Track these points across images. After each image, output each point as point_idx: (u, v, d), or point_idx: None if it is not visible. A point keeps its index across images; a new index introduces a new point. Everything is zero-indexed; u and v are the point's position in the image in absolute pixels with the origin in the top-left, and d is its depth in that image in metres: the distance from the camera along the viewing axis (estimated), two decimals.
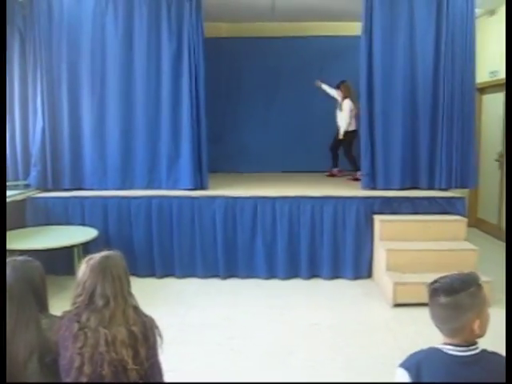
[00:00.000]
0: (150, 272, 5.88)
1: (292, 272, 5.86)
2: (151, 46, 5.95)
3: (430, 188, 5.98)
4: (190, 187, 5.96)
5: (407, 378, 1.85)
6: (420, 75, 5.90)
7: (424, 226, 5.55)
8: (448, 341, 1.88)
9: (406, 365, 1.89)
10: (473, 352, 1.84)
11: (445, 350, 1.87)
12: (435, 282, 1.91)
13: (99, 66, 5.99)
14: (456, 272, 1.95)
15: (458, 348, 1.85)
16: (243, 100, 8.20)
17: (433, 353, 1.89)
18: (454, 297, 1.83)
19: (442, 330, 1.90)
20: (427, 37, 5.82)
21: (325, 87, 7.47)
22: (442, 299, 1.84)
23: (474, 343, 1.86)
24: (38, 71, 5.96)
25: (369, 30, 5.88)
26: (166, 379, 2.27)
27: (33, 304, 2.26)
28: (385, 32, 5.87)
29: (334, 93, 7.37)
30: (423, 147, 5.97)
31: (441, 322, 1.89)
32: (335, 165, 7.69)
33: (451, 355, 1.85)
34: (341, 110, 7.19)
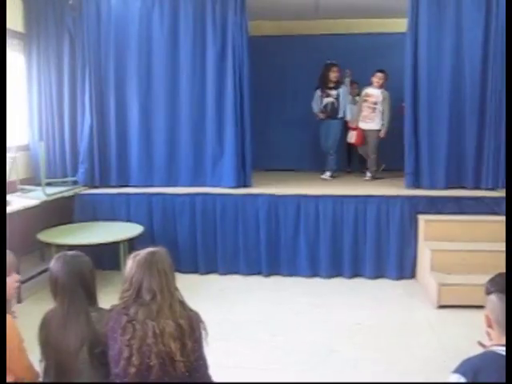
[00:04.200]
0: (194, 268, 5.95)
1: (335, 271, 5.84)
2: (196, 45, 6.02)
3: (477, 187, 5.86)
4: (233, 185, 6.00)
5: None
6: (467, 73, 5.77)
7: (470, 227, 5.45)
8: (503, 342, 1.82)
9: (461, 370, 1.81)
10: None
11: (502, 352, 1.80)
12: (498, 281, 1.89)
13: (145, 65, 6.10)
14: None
15: None
16: (286, 98, 8.20)
17: (489, 356, 1.83)
18: None
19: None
20: (475, 33, 5.68)
21: (347, 81, 7.50)
22: None
23: None
24: (86, 70, 6.11)
25: (414, 26, 5.79)
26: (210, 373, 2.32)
27: (83, 297, 2.33)
28: (431, 29, 5.77)
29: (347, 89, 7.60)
30: (469, 146, 5.84)
31: None
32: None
33: None
34: (355, 104, 7.34)
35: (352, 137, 7.28)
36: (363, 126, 7.06)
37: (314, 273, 5.85)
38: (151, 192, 6.05)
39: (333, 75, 7.00)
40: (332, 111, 7.03)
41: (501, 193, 5.76)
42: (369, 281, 5.76)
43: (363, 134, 7.09)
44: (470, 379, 1.77)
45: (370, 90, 7.00)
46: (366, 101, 7.00)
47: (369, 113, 6.98)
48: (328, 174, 7.13)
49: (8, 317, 2.31)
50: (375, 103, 6.93)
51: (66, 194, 5.92)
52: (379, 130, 6.91)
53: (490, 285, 1.92)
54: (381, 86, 6.95)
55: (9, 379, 2.29)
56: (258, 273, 5.92)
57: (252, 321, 4.68)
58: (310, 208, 5.80)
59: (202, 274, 5.96)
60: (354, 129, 7.21)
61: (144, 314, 2.14)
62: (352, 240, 5.78)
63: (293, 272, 5.88)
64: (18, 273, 2.57)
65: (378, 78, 6.93)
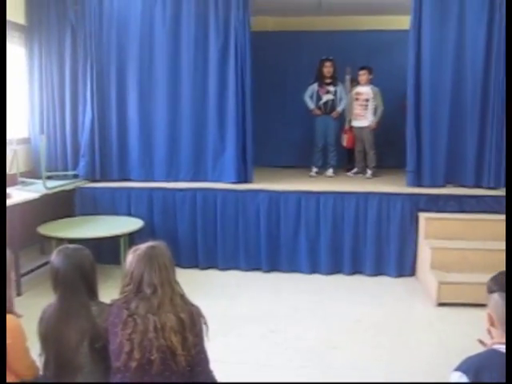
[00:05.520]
0: (193, 263, 5.94)
1: (335, 268, 5.83)
2: (198, 39, 6.00)
3: (478, 186, 5.85)
4: (234, 180, 5.99)
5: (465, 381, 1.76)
6: (470, 70, 5.76)
7: (471, 225, 5.44)
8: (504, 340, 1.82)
9: (462, 368, 1.80)
10: None
11: (504, 351, 1.79)
12: (500, 279, 1.89)
13: (147, 59, 6.08)
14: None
15: None
16: (288, 94, 8.16)
17: (491, 354, 1.82)
18: None
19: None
20: (478, 31, 5.67)
21: (348, 78, 7.67)
22: None
23: None
24: (88, 63, 6.08)
25: (418, 23, 5.77)
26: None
27: (83, 291, 2.33)
28: (434, 26, 5.75)
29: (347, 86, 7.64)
30: (471, 144, 5.83)
31: None
32: None
33: None
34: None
35: (344, 140, 7.31)
36: (356, 123, 7.10)
37: (313, 269, 5.84)
38: (152, 186, 6.04)
39: (326, 70, 6.98)
40: (331, 108, 7.03)
41: (502, 191, 5.75)
42: (369, 278, 5.75)
43: (354, 135, 7.14)
44: (472, 377, 1.76)
45: (359, 89, 7.06)
46: (357, 99, 7.03)
47: (361, 110, 7.01)
48: (331, 170, 7.12)
49: (12, 317, 2.28)
50: (367, 100, 6.96)
51: (66, 188, 5.91)
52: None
53: (492, 283, 1.91)
54: (369, 83, 6.98)
55: (9, 379, 2.27)
56: (258, 268, 5.91)
57: (252, 316, 4.68)
58: (311, 204, 5.79)
59: (202, 268, 5.96)
60: (345, 132, 7.25)
61: (145, 308, 2.14)
62: (352, 237, 5.77)
63: (293, 268, 5.88)
64: (15, 270, 2.55)
65: (360, 76, 7.01)
